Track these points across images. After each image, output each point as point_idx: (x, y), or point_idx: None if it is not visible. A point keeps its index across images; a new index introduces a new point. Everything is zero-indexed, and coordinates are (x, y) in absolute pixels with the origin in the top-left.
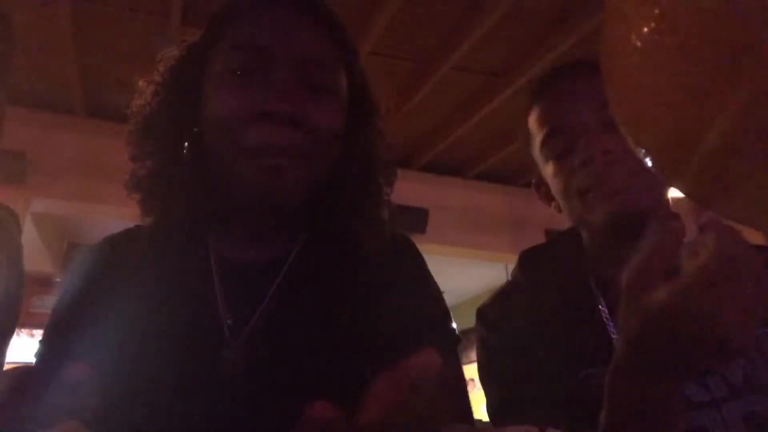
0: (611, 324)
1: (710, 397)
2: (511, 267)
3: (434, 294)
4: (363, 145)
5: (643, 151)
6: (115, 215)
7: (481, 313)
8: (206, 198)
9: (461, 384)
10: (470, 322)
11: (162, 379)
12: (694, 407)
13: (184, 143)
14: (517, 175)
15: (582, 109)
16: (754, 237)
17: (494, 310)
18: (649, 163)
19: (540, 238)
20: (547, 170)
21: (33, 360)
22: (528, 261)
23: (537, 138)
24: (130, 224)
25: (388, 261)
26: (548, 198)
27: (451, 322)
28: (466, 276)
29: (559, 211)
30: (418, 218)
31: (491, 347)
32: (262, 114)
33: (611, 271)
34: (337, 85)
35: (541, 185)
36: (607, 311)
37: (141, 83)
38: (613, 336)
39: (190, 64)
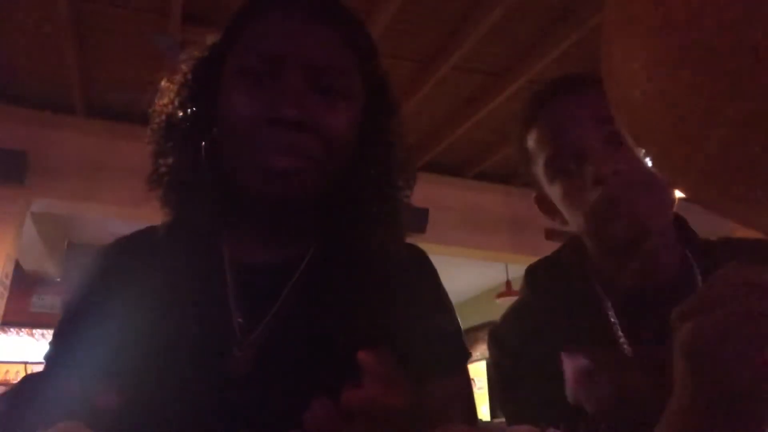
0: (617, 325)
1: None
2: (511, 267)
3: (447, 309)
4: (380, 147)
5: (646, 153)
6: (115, 215)
7: (495, 337)
8: (221, 197)
9: (470, 399)
10: (470, 321)
11: (173, 378)
12: None
13: (202, 142)
14: (517, 175)
15: (584, 128)
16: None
17: (508, 334)
18: (652, 165)
19: (540, 238)
20: (554, 190)
21: (43, 362)
22: (534, 277)
23: (539, 158)
24: (130, 224)
25: (403, 273)
26: (551, 212)
27: (463, 338)
28: (466, 276)
29: (565, 224)
30: (418, 218)
31: (509, 374)
32: (272, 120)
33: (620, 279)
34: (350, 90)
35: (543, 201)
36: (614, 314)
37: (164, 83)
38: (621, 338)
39: (210, 65)
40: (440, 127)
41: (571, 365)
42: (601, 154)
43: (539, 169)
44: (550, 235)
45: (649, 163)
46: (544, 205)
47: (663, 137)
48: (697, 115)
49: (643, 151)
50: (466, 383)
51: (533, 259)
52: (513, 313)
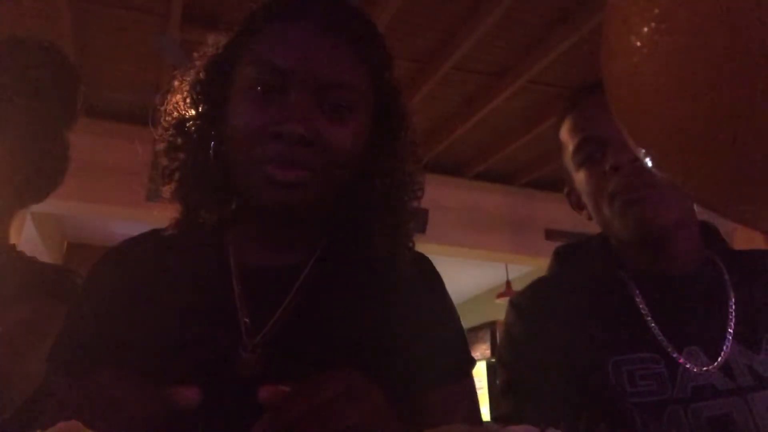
0: (650, 314)
1: (735, 385)
2: (511, 267)
3: (451, 317)
4: (387, 158)
5: (644, 151)
6: (115, 215)
7: (514, 303)
8: (227, 199)
9: (475, 407)
10: (470, 322)
11: (180, 379)
12: (719, 395)
13: (211, 142)
14: (517, 175)
15: (612, 120)
16: (756, 237)
17: (527, 300)
18: (649, 163)
19: (540, 238)
20: (579, 177)
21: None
22: (563, 255)
23: (569, 147)
24: (130, 224)
25: (408, 279)
26: (579, 206)
27: (467, 346)
28: (466, 276)
29: (589, 218)
30: (418, 218)
31: (515, 333)
32: (276, 134)
33: (638, 264)
34: (358, 105)
35: (572, 193)
36: (644, 302)
37: (176, 82)
38: (652, 325)
39: (222, 65)
40: (440, 127)
41: None
42: (621, 143)
43: (569, 157)
44: (550, 235)
45: (649, 164)
46: (573, 198)
47: (659, 136)
48: (693, 115)
49: (643, 150)
50: (471, 391)
51: (533, 260)
52: (536, 282)
